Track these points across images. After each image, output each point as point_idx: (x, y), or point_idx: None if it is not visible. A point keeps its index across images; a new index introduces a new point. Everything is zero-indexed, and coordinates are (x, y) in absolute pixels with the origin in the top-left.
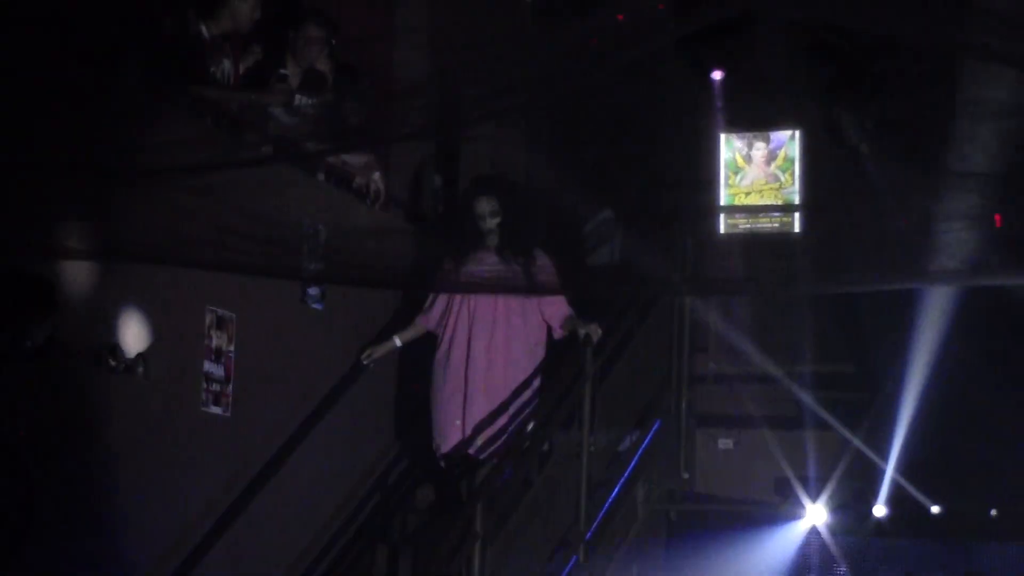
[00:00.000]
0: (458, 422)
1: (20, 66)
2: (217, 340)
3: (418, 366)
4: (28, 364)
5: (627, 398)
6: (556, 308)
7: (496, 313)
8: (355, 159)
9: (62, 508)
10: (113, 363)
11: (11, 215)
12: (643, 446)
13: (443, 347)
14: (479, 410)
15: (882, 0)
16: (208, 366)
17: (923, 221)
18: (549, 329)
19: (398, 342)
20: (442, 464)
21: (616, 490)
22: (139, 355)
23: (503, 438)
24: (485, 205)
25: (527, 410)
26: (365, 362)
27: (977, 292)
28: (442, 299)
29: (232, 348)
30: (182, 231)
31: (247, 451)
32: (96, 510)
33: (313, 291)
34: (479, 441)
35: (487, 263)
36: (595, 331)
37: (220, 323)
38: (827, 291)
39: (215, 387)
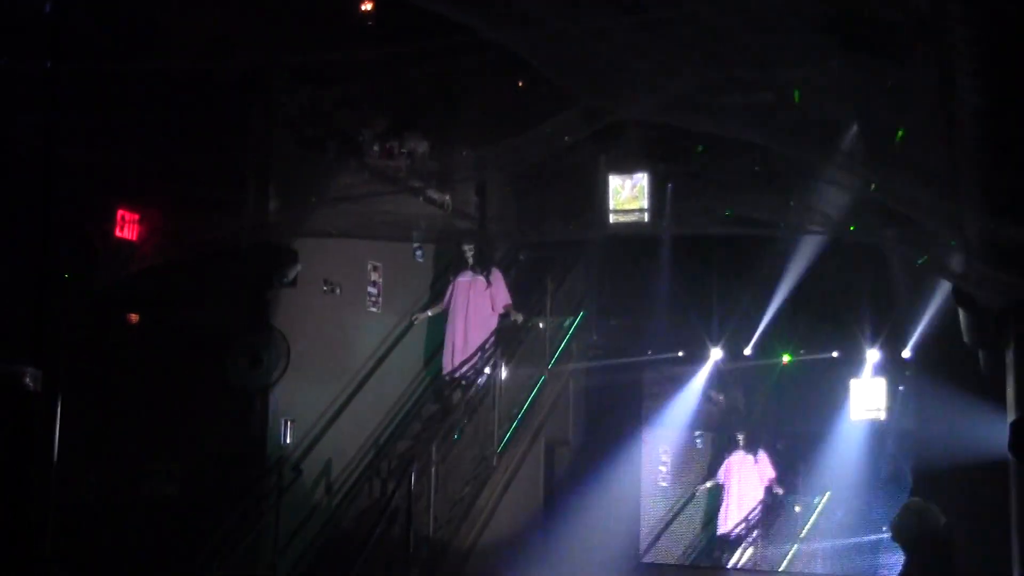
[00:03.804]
0: (449, 355)
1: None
2: (374, 275)
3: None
4: (285, 290)
5: (568, 301)
6: (500, 299)
7: (471, 299)
8: (436, 191)
9: (307, 356)
10: (326, 288)
11: (277, 216)
12: (575, 324)
13: (449, 317)
14: (461, 347)
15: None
16: (369, 288)
17: None
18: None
19: (429, 313)
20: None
21: (563, 343)
22: (337, 283)
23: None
24: (467, 248)
25: (491, 338)
26: (414, 321)
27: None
28: (448, 292)
29: (380, 279)
30: (358, 223)
31: (388, 327)
32: (313, 356)
33: (419, 251)
34: (466, 356)
35: (468, 274)
36: (519, 317)
37: (375, 268)
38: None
39: (372, 298)
